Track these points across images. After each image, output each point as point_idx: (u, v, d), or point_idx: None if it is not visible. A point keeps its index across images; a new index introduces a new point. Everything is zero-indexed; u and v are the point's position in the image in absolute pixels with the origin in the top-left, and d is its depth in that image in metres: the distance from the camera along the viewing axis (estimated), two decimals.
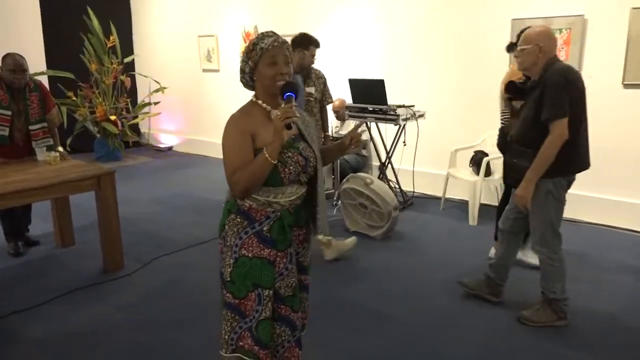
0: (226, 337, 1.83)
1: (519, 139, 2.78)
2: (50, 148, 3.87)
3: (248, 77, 1.80)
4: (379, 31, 5.74)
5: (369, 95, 4.80)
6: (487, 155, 4.71)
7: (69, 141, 7.40)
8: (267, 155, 1.64)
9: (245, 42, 7.02)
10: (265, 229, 1.79)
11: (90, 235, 4.16)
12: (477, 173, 4.65)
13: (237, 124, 1.74)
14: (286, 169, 1.75)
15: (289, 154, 1.76)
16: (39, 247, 4.16)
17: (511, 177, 2.90)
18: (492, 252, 3.73)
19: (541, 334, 2.82)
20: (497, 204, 4.82)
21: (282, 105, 1.68)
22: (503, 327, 2.91)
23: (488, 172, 4.74)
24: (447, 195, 5.17)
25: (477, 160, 4.71)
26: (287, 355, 1.92)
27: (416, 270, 3.70)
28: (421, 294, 3.32)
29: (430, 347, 2.72)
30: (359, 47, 5.96)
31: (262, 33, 1.78)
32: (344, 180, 4.54)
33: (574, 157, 2.70)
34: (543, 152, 2.62)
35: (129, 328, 2.92)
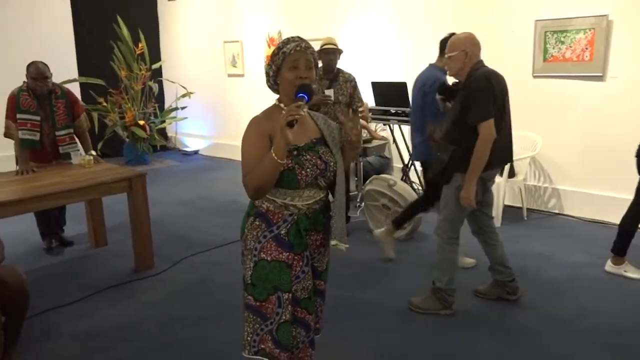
0: (248, 338, 1.83)
1: (445, 137, 3.00)
2: (69, 155, 4.05)
3: (272, 81, 1.83)
4: (401, 34, 5.78)
5: (392, 98, 4.85)
6: None
7: (99, 145, 7.64)
8: (273, 154, 1.62)
9: (270, 47, 7.18)
10: (283, 232, 1.78)
11: (121, 236, 4.30)
12: (501, 174, 4.65)
13: (257, 126, 1.76)
14: (303, 172, 1.73)
15: (307, 156, 1.75)
16: (74, 247, 4.33)
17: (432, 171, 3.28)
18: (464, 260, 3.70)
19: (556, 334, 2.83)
20: (520, 205, 4.83)
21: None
22: (525, 328, 2.92)
23: (512, 174, 4.74)
24: None
25: None
26: (301, 355, 1.91)
27: None
28: None
29: (451, 346, 2.75)
30: (381, 50, 6.01)
31: (287, 38, 1.80)
32: (367, 181, 4.60)
33: (493, 154, 2.80)
34: (476, 154, 2.77)
35: (158, 324, 3.04)
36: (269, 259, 1.78)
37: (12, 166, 3.94)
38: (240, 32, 7.58)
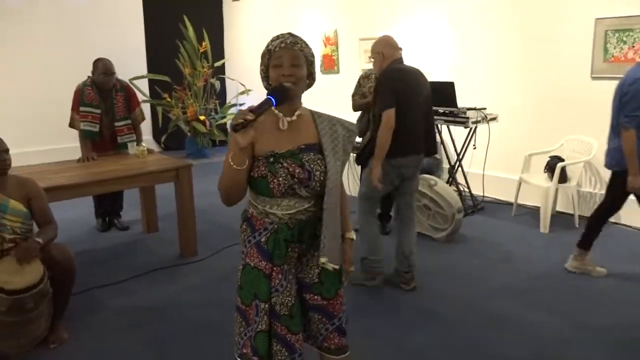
0: (236, 339, 1.80)
1: (373, 129, 3.29)
2: (126, 145, 4.37)
3: (265, 82, 1.73)
4: (452, 33, 5.69)
5: (439, 97, 4.79)
6: (562, 160, 4.53)
7: (163, 139, 8.12)
8: (230, 160, 1.54)
9: (325, 47, 7.29)
10: (263, 240, 1.69)
11: (172, 224, 4.55)
12: (550, 178, 4.48)
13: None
14: (275, 180, 1.61)
15: (284, 164, 1.62)
16: (128, 232, 4.64)
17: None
18: (569, 263, 3.64)
19: (600, 346, 2.72)
20: (572, 212, 4.63)
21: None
22: (556, 335, 2.83)
23: (564, 179, 4.56)
24: (521, 202, 5.02)
25: (552, 165, 4.54)
26: None
27: (474, 273, 3.67)
28: (475, 297, 3.30)
29: (473, 346, 2.72)
30: (431, 50, 5.94)
31: (277, 35, 1.68)
32: None
33: (398, 143, 3.09)
34: (377, 140, 3.12)
35: (196, 306, 3.21)
36: (252, 264, 1.72)
37: (78, 155, 4.30)
38: (297, 32, 7.61)
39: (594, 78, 4.60)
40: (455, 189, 5.03)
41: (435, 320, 3.02)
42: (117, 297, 3.34)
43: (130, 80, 7.20)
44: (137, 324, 3.00)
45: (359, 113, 4.35)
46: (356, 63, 6.69)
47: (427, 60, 6.01)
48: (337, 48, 7.14)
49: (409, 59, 6.11)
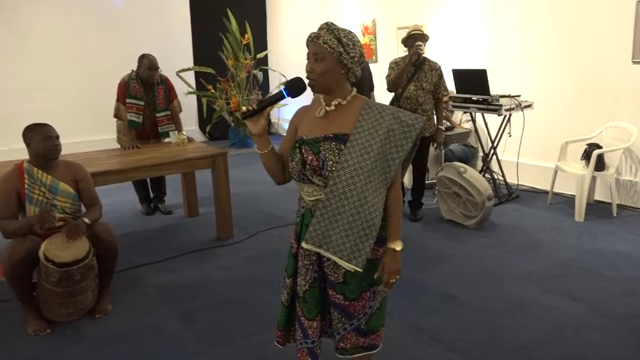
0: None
1: None
2: (166, 134, 4.66)
3: None
4: (487, 20, 5.63)
5: (472, 85, 4.79)
6: (600, 148, 4.44)
7: (208, 128, 8.44)
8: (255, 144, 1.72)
9: (364, 36, 7.35)
10: (297, 221, 1.82)
11: (211, 209, 4.80)
12: (587, 166, 4.40)
13: (294, 116, 1.84)
14: (291, 164, 1.71)
15: (303, 150, 1.69)
16: (171, 216, 4.94)
17: None
18: None
19: (618, 331, 2.72)
20: (611, 200, 4.53)
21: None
22: (575, 320, 2.84)
23: (602, 167, 4.47)
24: (557, 190, 4.95)
25: (589, 153, 4.46)
26: (299, 355, 1.84)
27: (501, 260, 3.69)
28: (499, 282, 3.34)
29: (493, 329, 2.78)
30: (466, 37, 5.91)
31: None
32: (440, 168, 4.62)
33: None
34: None
35: (228, 284, 3.42)
36: (291, 241, 1.86)
37: (117, 145, 4.64)
38: (337, 22, 7.79)
39: (635, 62, 4.46)
40: (490, 177, 5.02)
41: (456, 303, 3.08)
42: (157, 275, 3.60)
43: (177, 72, 7.58)
44: (173, 300, 3.23)
45: (389, 101, 4.45)
46: (394, 52, 6.72)
47: (462, 48, 5.99)
48: (375, 37, 7.19)
49: (444, 47, 6.15)
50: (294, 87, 1.67)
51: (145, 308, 3.13)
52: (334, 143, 1.66)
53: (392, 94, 4.48)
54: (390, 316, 2.93)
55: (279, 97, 1.67)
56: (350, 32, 1.70)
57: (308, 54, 1.67)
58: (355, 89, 1.77)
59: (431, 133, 4.41)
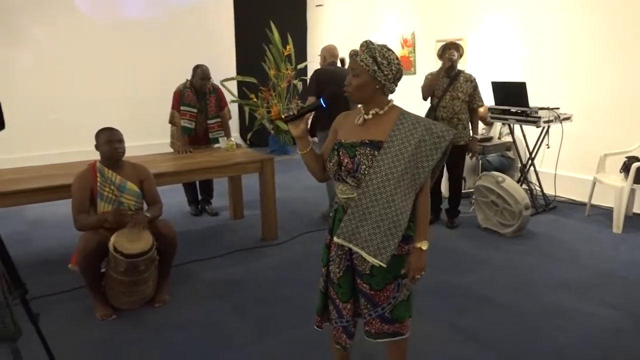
0: None
1: None
2: (216, 140, 4.96)
3: None
4: (525, 33, 5.73)
5: (511, 97, 4.90)
6: (639, 161, 4.48)
7: (249, 136, 8.74)
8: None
9: (403, 48, 7.52)
10: (331, 215, 2.02)
11: (255, 212, 5.04)
12: (626, 178, 4.45)
13: (335, 120, 2.02)
14: (329, 164, 1.91)
15: (340, 152, 1.87)
16: (218, 217, 5.21)
17: None
18: None
19: None
20: None
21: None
22: (611, 326, 2.93)
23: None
24: (595, 202, 4.99)
25: (628, 165, 4.50)
26: (338, 335, 2.03)
27: (538, 268, 3.79)
28: (537, 289, 3.43)
29: (527, 330, 2.90)
30: (504, 50, 6.02)
31: None
32: (478, 177, 4.74)
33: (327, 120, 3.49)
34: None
35: (273, 282, 3.63)
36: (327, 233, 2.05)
37: (170, 149, 4.95)
38: (376, 34, 8.03)
39: None
40: (527, 187, 5.10)
41: (493, 306, 3.21)
42: (208, 271, 3.84)
43: (221, 82, 7.90)
44: (223, 293, 3.46)
45: (425, 112, 4.62)
46: (432, 64, 6.87)
47: (501, 61, 6.10)
48: (414, 50, 7.36)
49: (483, 60, 6.27)
50: (331, 97, 1.96)
51: (199, 300, 3.37)
52: (368, 149, 1.82)
53: (428, 105, 4.64)
54: (426, 315, 3.09)
55: (317, 105, 1.91)
56: (388, 50, 1.84)
57: (348, 68, 1.89)
58: (392, 100, 1.93)
59: (466, 142, 4.55)
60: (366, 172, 1.81)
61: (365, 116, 1.90)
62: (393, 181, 1.78)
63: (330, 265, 1.98)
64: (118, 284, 3.04)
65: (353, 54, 1.85)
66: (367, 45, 1.82)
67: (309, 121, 1.95)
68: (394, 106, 1.92)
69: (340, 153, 1.87)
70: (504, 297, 3.32)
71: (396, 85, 1.89)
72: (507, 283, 3.53)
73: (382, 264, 1.80)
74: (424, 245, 1.86)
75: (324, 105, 1.89)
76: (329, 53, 4.90)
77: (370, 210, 1.80)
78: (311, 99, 4.53)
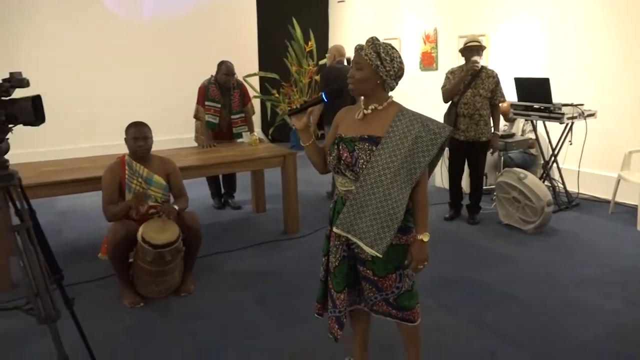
0: None
1: None
2: (240, 135, 5.01)
3: None
4: (549, 29, 5.68)
5: (534, 93, 4.87)
6: None
7: (270, 131, 8.83)
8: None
9: (425, 44, 7.51)
10: (331, 206, 2.10)
11: (277, 206, 5.11)
12: None
13: (337, 115, 2.09)
14: (329, 157, 1.98)
15: (340, 147, 1.93)
16: (240, 211, 5.30)
17: None
18: None
19: None
20: None
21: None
22: (635, 323, 2.92)
23: None
24: (619, 199, 4.94)
25: None
26: (331, 324, 2.09)
27: (560, 264, 3.78)
28: (559, 285, 3.43)
29: (549, 326, 2.91)
30: (528, 46, 5.97)
31: None
32: (499, 174, 4.73)
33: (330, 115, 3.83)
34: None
35: (295, 274, 3.70)
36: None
37: (193, 144, 5.06)
38: (398, 30, 8.04)
39: None
40: (549, 184, 5.07)
41: (515, 301, 3.22)
42: (231, 262, 3.93)
43: (244, 77, 7.98)
44: (246, 285, 3.55)
45: (447, 107, 4.62)
46: (455, 60, 6.85)
47: (524, 57, 6.05)
48: (436, 45, 7.34)
49: (506, 56, 6.23)
50: (332, 93, 2.01)
51: (222, 291, 3.46)
52: (367, 144, 1.88)
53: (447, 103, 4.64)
54: (448, 309, 3.12)
55: (319, 100, 2.00)
56: (392, 48, 1.91)
57: (352, 62, 1.93)
58: (392, 97, 1.98)
59: (488, 138, 4.55)
60: (364, 166, 1.87)
61: (365, 111, 1.96)
62: (390, 175, 1.84)
63: (330, 256, 2.06)
64: (145, 273, 3.14)
65: (358, 48, 1.91)
66: (373, 42, 1.89)
67: (318, 115, 2.05)
68: (393, 102, 1.98)
69: (340, 147, 1.94)
70: (527, 292, 3.33)
71: (397, 83, 1.94)
72: (530, 279, 3.54)
73: (378, 254, 1.87)
74: (425, 237, 1.92)
75: (326, 100, 1.98)
76: (337, 52, 5.20)
77: (367, 203, 1.87)
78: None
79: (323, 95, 2.00)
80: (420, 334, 2.19)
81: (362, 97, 1.97)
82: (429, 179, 2.01)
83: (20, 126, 1.83)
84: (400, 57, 1.92)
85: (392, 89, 1.95)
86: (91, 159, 4.25)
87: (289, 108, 1.94)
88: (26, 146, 5.13)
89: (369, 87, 1.91)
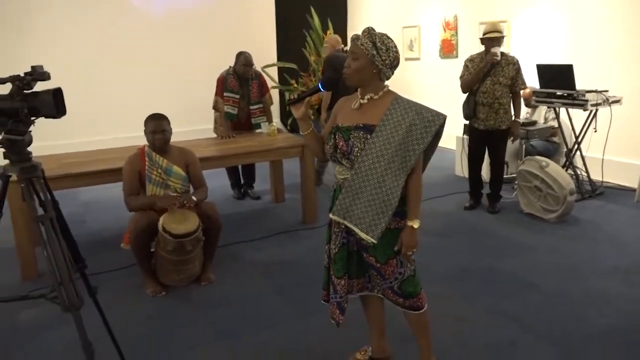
0: None
1: None
2: (258, 125, 5.06)
3: None
4: (572, 14, 5.54)
5: (557, 80, 4.77)
6: None
7: (289, 121, 8.84)
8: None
9: (445, 31, 7.41)
10: (331, 194, 2.13)
11: (296, 196, 5.14)
12: None
13: (336, 104, 2.12)
14: (326, 146, 2.02)
15: (336, 135, 1.97)
16: (259, 201, 5.34)
17: None
18: None
19: None
20: None
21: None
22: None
23: None
24: None
25: None
26: (332, 309, 2.14)
27: (583, 253, 3.72)
28: (582, 274, 3.38)
29: (571, 316, 2.87)
30: (550, 32, 5.83)
31: None
32: (521, 162, 4.66)
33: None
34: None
35: (314, 264, 3.67)
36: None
37: (211, 135, 5.10)
38: (418, 18, 7.93)
39: None
40: (572, 172, 4.98)
41: (536, 290, 3.19)
42: (251, 252, 3.97)
43: (262, 68, 7.98)
44: (265, 274, 3.58)
45: (465, 96, 4.56)
46: (475, 47, 6.73)
47: (546, 43, 5.93)
48: (456, 33, 7.22)
49: (528, 42, 6.10)
50: (328, 82, 2.03)
51: (242, 280, 3.50)
52: (362, 132, 1.93)
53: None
54: (466, 298, 3.11)
55: (316, 90, 2.03)
56: (388, 38, 1.94)
57: (348, 51, 1.96)
58: (388, 86, 2.01)
59: (508, 126, 4.48)
60: (359, 154, 1.92)
61: (361, 101, 1.99)
62: (383, 163, 1.89)
63: (331, 243, 2.10)
64: (167, 263, 3.20)
65: (354, 38, 1.93)
66: (369, 31, 1.92)
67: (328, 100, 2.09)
68: (389, 91, 2.00)
69: (337, 136, 1.98)
70: (547, 282, 3.29)
71: (392, 72, 1.97)
72: (551, 268, 3.49)
73: (373, 240, 1.91)
74: (415, 224, 1.95)
75: (322, 89, 2.02)
76: (336, 42, 5.52)
77: (362, 190, 1.92)
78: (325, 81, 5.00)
79: (320, 85, 2.03)
80: (428, 322, 2.21)
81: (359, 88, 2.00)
82: (426, 166, 2.05)
83: (41, 119, 1.86)
84: (395, 46, 1.95)
85: (387, 78, 1.98)
86: (112, 151, 4.33)
87: (288, 99, 1.98)
88: (47, 139, 5.25)
89: (364, 77, 1.94)
